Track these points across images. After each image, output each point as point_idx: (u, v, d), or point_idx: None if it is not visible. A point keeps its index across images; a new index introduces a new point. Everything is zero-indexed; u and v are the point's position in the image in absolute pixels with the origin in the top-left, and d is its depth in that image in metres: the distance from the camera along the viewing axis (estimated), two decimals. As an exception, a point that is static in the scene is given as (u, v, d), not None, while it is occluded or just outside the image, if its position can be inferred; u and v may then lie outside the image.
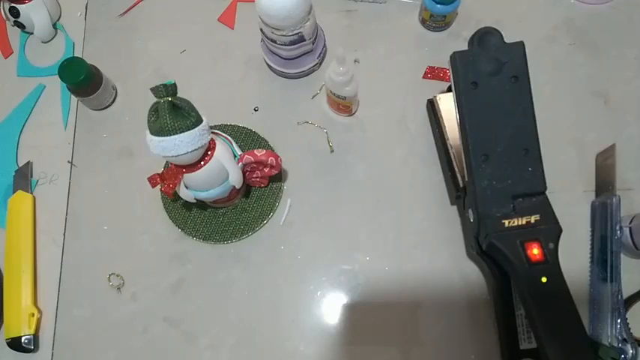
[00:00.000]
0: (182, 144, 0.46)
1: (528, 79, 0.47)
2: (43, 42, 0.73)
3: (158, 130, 0.46)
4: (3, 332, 0.59)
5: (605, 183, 0.58)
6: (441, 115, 0.59)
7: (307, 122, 0.65)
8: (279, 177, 0.61)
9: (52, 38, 0.73)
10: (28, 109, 0.69)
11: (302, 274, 0.59)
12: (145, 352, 0.57)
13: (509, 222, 0.47)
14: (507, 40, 0.47)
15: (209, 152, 0.51)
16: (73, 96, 0.67)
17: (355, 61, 0.67)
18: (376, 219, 0.60)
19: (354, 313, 0.57)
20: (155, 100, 0.46)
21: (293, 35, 0.58)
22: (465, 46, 0.48)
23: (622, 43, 0.66)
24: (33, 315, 0.58)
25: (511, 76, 0.47)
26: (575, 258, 0.56)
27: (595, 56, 0.65)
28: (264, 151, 0.55)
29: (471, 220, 0.50)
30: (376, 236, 0.59)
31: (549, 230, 0.46)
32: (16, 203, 0.63)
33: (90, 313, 0.59)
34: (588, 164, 0.61)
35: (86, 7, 0.74)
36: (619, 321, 0.51)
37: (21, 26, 0.70)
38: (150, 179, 0.52)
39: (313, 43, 0.62)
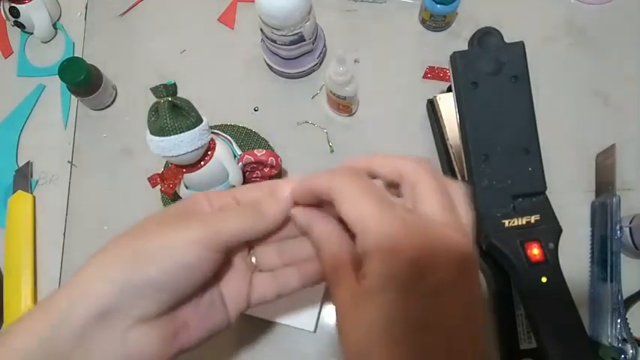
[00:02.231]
0: (182, 144, 0.46)
1: (528, 79, 0.47)
2: (43, 42, 0.73)
3: (158, 130, 0.46)
4: (3, 332, 0.59)
5: (605, 183, 0.58)
6: (441, 115, 0.59)
7: (307, 122, 0.65)
8: (279, 177, 0.61)
9: (52, 38, 0.73)
10: (28, 109, 0.69)
11: (302, 274, 0.59)
12: (145, 352, 0.57)
13: (509, 222, 0.46)
14: (507, 40, 0.47)
15: (209, 152, 0.51)
16: (73, 96, 0.67)
17: (355, 61, 0.67)
18: (376, 219, 0.60)
19: (354, 313, 0.57)
20: (155, 100, 0.46)
21: (293, 35, 0.58)
22: (465, 46, 0.48)
23: (622, 43, 0.66)
24: (33, 315, 0.58)
25: (511, 76, 0.47)
26: (575, 258, 0.56)
27: (595, 56, 0.65)
28: (264, 151, 0.54)
29: (471, 220, 0.50)
30: (376, 236, 0.59)
31: (549, 230, 0.46)
32: (16, 203, 0.63)
33: (90, 313, 0.59)
34: (588, 164, 0.61)
35: (86, 7, 0.74)
36: (619, 321, 0.51)
37: (21, 26, 0.70)
38: (150, 179, 0.52)
39: (313, 43, 0.62)
